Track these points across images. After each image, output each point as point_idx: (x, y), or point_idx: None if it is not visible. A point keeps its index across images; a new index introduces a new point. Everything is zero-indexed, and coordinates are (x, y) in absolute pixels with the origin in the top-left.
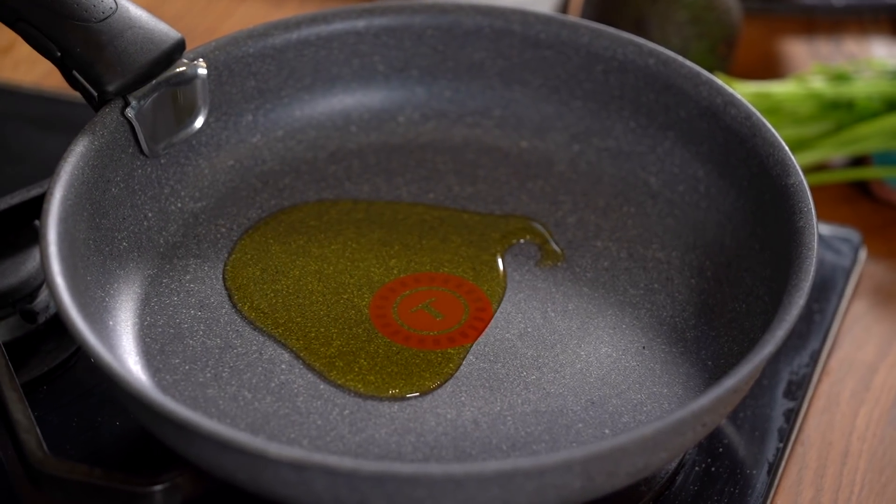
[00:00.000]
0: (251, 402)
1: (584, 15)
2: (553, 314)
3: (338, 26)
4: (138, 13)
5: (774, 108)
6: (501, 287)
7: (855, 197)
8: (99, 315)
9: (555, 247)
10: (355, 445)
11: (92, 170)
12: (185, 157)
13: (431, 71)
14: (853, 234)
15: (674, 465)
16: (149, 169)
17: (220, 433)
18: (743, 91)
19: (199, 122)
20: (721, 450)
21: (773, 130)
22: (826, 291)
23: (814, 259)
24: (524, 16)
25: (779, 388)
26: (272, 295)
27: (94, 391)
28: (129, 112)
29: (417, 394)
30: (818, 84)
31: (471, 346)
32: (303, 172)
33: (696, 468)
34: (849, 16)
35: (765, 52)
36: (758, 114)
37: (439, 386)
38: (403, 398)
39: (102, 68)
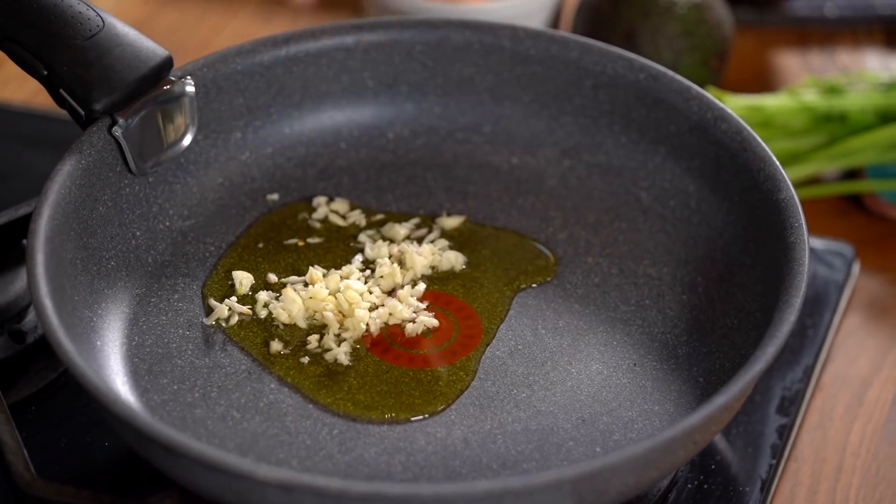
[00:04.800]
0: (240, 422)
1: (575, 29)
2: (544, 331)
3: (327, 42)
4: (125, 31)
5: (767, 122)
6: (491, 304)
7: (848, 210)
8: (86, 335)
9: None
10: (344, 465)
11: (79, 189)
12: (173, 175)
13: (421, 87)
14: (846, 248)
15: (666, 482)
16: (137, 187)
17: (207, 455)
18: (735, 104)
19: (187, 139)
20: (713, 466)
21: (763, 145)
22: (819, 306)
23: (805, 275)
24: (514, 31)
25: (772, 403)
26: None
27: (83, 411)
28: (117, 130)
29: (422, 417)
30: (811, 97)
31: (459, 363)
32: (292, 189)
33: (689, 485)
34: (842, 27)
35: (757, 65)
36: (748, 128)
37: (444, 409)
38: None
39: (89, 87)
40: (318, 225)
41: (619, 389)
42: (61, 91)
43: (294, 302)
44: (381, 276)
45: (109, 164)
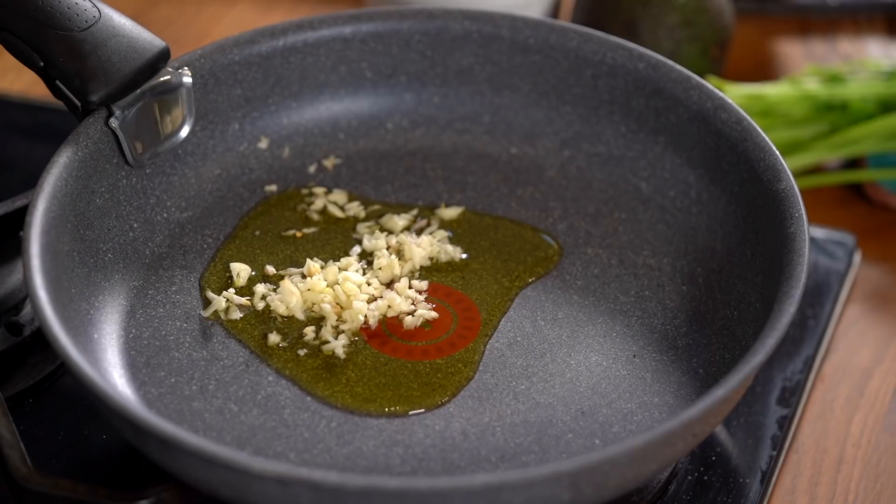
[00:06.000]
0: (237, 414)
1: (575, 19)
2: (543, 323)
3: (325, 33)
4: (122, 22)
5: (768, 111)
6: (490, 296)
7: (849, 199)
8: (83, 328)
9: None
10: (342, 458)
11: (76, 181)
12: (170, 166)
13: (420, 77)
14: (847, 238)
15: (666, 474)
16: (134, 179)
17: (203, 448)
18: (736, 93)
19: (184, 131)
20: (714, 458)
21: (763, 135)
22: (820, 296)
23: (805, 266)
24: (513, 20)
25: (772, 395)
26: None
27: (80, 404)
28: (114, 122)
29: (421, 411)
30: (812, 86)
31: (457, 355)
32: (290, 180)
33: (689, 477)
34: (843, 15)
35: (758, 54)
36: (748, 118)
37: (446, 402)
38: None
39: (86, 78)
40: (316, 216)
41: (619, 381)
42: (58, 82)
43: (292, 294)
44: (380, 268)
45: (106, 155)
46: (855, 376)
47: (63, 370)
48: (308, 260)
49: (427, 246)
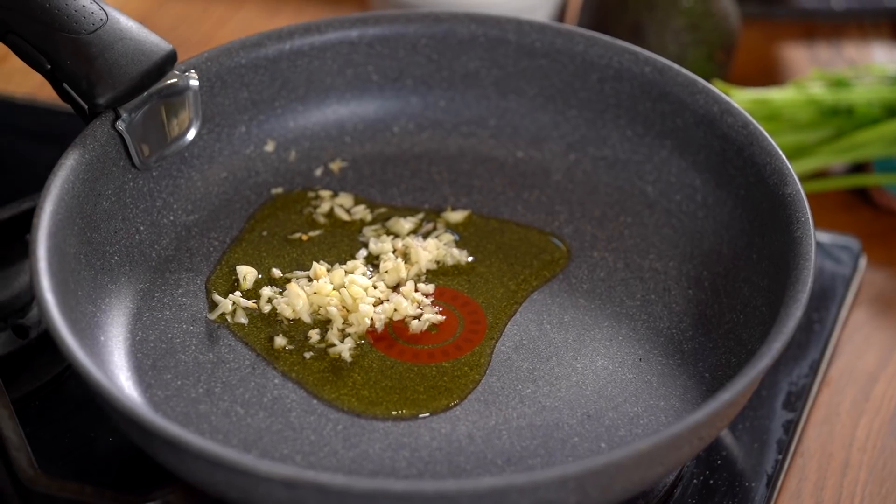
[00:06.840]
0: (244, 417)
1: (581, 22)
2: (549, 326)
3: (331, 36)
4: (129, 24)
5: (773, 115)
6: (496, 299)
7: (855, 204)
8: (90, 330)
9: (551, 257)
10: (349, 461)
11: (83, 183)
12: (177, 169)
13: (426, 80)
14: (853, 242)
15: (672, 477)
16: (140, 182)
17: (210, 451)
18: (741, 98)
19: (191, 134)
20: (719, 462)
21: (770, 139)
22: (826, 300)
23: (811, 270)
24: (519, 24)
25: (778, 398)
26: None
27: (87, 406)
28: (120, 125)
29: (427, 414)
30: (817, 90)
31: (462, 359)
32: (296, 184)
33: (695, 481)
34: (849, 20)
35: (764, 58)
36: (755, 122)
37: (452, 406)
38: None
39: (92, 81)
40: (322, 219)
41: (625, 385)
42: (65, 85)
43: (298, 297)
44: (386, 271)
45: (113, 158)
46: (861, 380)
47: (69, 373)
48: (314, 263)
49: (433, 249)
